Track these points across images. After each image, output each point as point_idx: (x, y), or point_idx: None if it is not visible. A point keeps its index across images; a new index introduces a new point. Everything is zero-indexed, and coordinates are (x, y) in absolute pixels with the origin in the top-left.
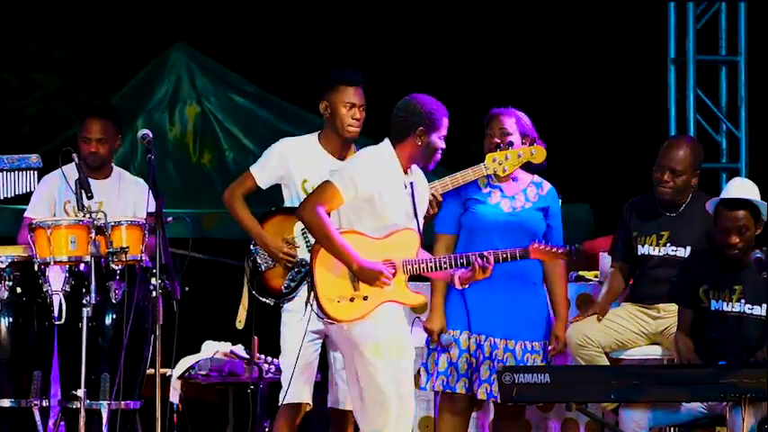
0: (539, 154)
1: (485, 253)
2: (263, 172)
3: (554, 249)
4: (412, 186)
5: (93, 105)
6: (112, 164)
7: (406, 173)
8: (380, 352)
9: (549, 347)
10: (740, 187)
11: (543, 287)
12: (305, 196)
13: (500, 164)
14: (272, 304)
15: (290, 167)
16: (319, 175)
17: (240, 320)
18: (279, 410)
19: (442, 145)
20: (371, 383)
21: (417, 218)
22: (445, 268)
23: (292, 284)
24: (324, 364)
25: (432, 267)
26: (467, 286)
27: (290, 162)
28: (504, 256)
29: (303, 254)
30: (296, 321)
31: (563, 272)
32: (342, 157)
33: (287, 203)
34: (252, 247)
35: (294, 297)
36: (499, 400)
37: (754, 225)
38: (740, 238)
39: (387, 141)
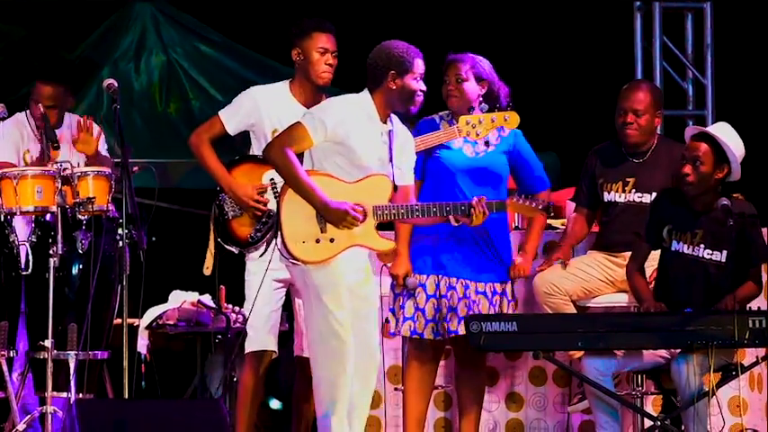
0: (512, 119)
1: (461, 204)
2: (234, 118)
3: (531, 204)
4: (390, 135)
5: (46, 65)
6: None
7: (385, 122)
8: (340, 300)
9: (511, 273)
10: (719, 127)
11: (509, 231)
12: None
13: (473, 127)
14: (236, 252)
15: (261, 115)
16: (289, 122)
17: (207, 267)
18: (244, 359)
19: (421, 86)
20: (329, 331)
21: (393, 166)
22: (417, 216)
23: (259, 234)
24: (290, 314)
25: (403, 214)
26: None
27: (261, 110)
28: (482, 209)
29: (271, 204)
30: (260, 269)
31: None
32: (312, 106)
33: (254, 152)
34: (219, 193)
35: (259, 245)
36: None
37: (712, 163)
38: (693, 169)
39: (365, 91)
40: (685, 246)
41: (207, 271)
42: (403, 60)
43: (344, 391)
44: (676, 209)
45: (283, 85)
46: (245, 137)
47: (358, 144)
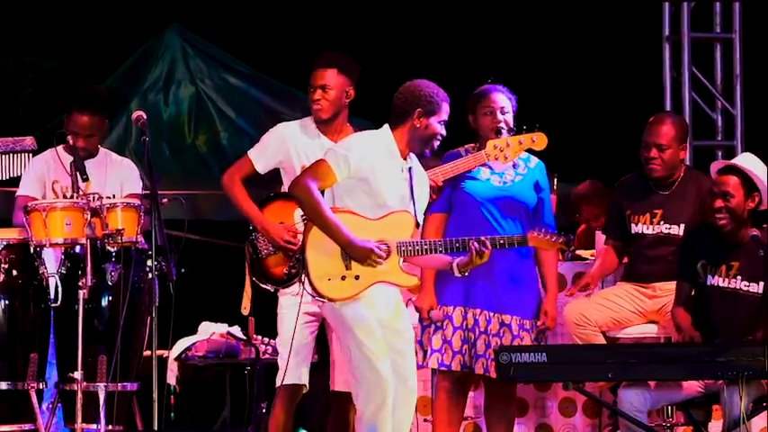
0: (540, 140)
1: (482, 238)
2: (262, 157)
3: (552, 238)
4: (410, 172)
5: (81, 95)
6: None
7: (404, 158)
8: (372, 331)
9: (538, 323)
10: (743, 158)
11: (534, 266)
12: None
13: (501, 150)
14: (272, 291)
15: (288, 151)
16: (317, 158)
17: (245, 307)
18: (276, 392)
19: (442, 131)
20: (364, 363)
21: (415, 203)
22: (440, 251)
23: (294, 271)
24: (324, 346)
25: (427, 249)
26: (466, 274)
27: (289, 146)
28: (502, 242)
29: None
30: (293, 304)
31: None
32: (339, 140)
33: (286, 188)
34: (252, 232)
35: (294, 282)
36: (496, 377)
37: (743, 195)
38: (724, 203)
39: (386, 126)
40: (721, 279)
41: (245, 311)
42: (432, 101)
43: (385, 424)
44: (708, 243)
45: (310, 120)
46: (276, 173)
47: (380, 180)
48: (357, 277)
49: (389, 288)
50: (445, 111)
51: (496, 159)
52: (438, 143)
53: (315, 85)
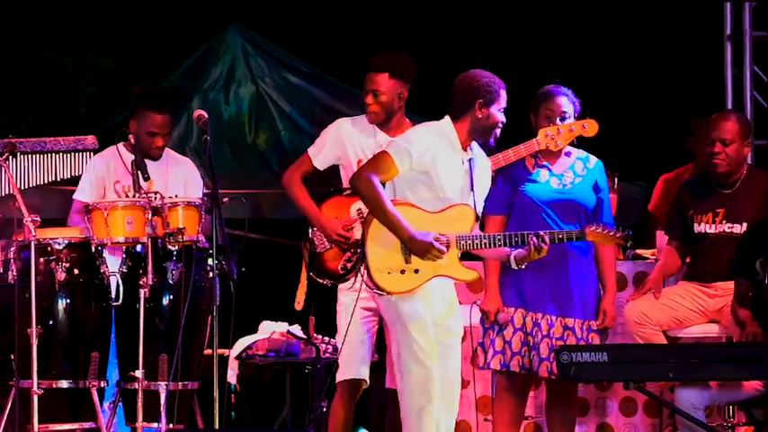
0: (591, 127)
1: (541, 233)
2: (320, 153)
3: (611, 233)
4: (470, 163)
5: (153, 96)
6: None
7: (465, 150)
8: (425, 328)
9: (596, 322)
10: None
11: (595, 266)
12: None
13: (552, 138)
14: (329, 286)
15: (346, 147)
16: (374, 154)
17: (299, 302)
18: (336, 389)
19: (502, 118)
20: (414, 360)
21: (474, 195)
22: (500, 245)
23: (349, 266)
24: (382, 345)
25: (486, 244)
26: (522, 267)
27: (346, 142)
28: (561, 236)
29: (359, 235)
30: (351, 300)
31: (613, 249)
32: (396, 135)
33: (345, 184)
34: (309, 228)
35: (350, 276)
36: (557, 378)
37: None
38: None
39: (447, 118)
40: None
41: (298, 306)
42: (491, 90)
43: (430, 421)
44: (766, 241)
45: (366, 117)
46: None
47: (441, 173)
48: (416, 271)
49: (445, 283)
50: (504, 98)
51: (547, 147)
52: (500, 131)
53: (367, 89)
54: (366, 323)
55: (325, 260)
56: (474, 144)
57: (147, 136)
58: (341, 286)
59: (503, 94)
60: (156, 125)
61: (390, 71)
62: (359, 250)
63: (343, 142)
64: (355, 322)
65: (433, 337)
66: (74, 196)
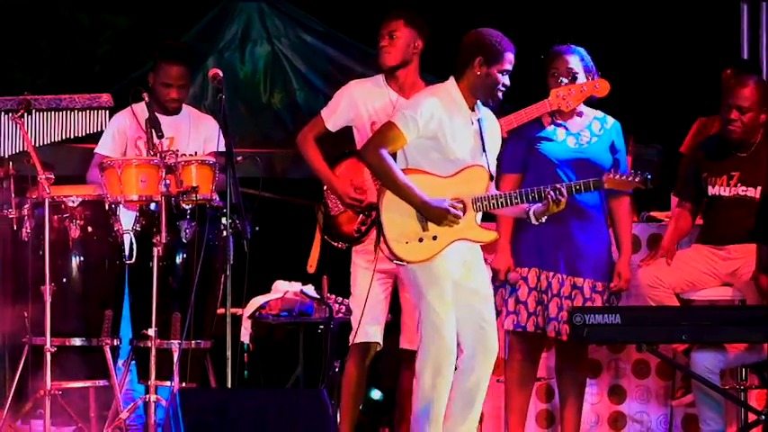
0: (602, 87)
1: (557, 185)
2: (333, 116)
3: (629, 178)
4: (480, 123)
5: (171, 48)
6: None
7: (472, 109)
8: (444, 296)
9: (611, 284)
10: None
11: (608, 228)
12: None
13: (564, 99)
14: (344, 248)
15: (359, 109)
16: (387, 115)
17: (311, 265)
18: (349, 350)
19: (504, 80)
20: (432, 328)
21: (487, 154)
22: (516, 203)
23: (363, 228)
24: (396, 305)
25: (502, 203)
26: (543, 221)
27: (359, 104)
28: (578, 187)
29: (372, 197)
30: (366, 262)
31: (629, 210)
32: (410, 96)
33: (358, 146)
34: (323, 191)
35: (365, 239)
36: (570, 340)
37: None
38: None
39: (451, 79)
40: None
41: (311, 269)
42: (493, 49)
43: (442, 393)
44: None
45: (380, 77)
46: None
47: (450, 136)
48: (435, 237)
49: (465, 246)
50: (508, 60)
51: (559, 107)
52: (501, 94)
53: (383, 32)
54: (381, 285)
55: (340, 223)
56: (480, 104)
57: (162, 87)
58: (356, 248)
59: (507, 56)
60: (171, 76)
61: (406, 19)
62: (373, 213)
63: (357, 104)
64: (370, 284)
65: (451, 305)
66: (95, 150)
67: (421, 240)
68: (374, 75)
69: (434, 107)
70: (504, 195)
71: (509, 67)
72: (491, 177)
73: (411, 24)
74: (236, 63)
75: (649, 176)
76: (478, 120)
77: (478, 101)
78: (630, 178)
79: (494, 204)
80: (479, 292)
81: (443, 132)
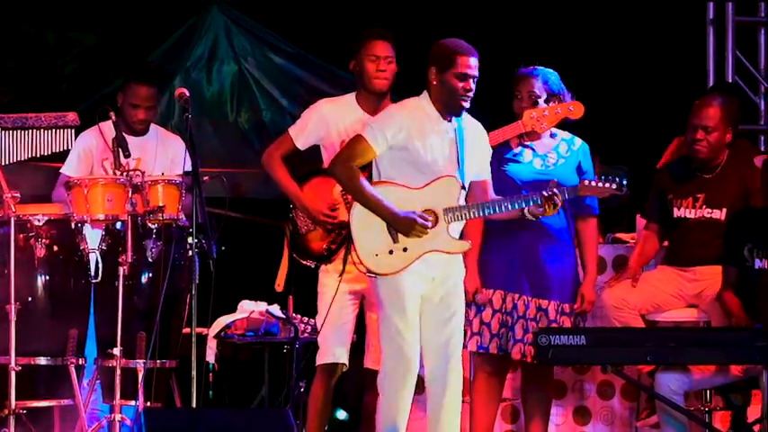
0: (576, 110)
1: (544, 192)
2: (302, 134)
3: (605, 185)
4: (458, 133)
5: (141, 69)
6: None
7: (449, 120)
8: (405, 312)
9: (575, 306)
10: None
11: (575, 249)
12: None
13: (538, 120)
14: (312, 267)
15: (329, 128)
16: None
17: (279, 284)
18: (315, 371)
19: (462, 85)
20: (392, 344)
21: (461, 165)
22: (489, 213)
23: (333, 247)
24: (361, 325)
25: (474, 213)
26: (539, 218)
27: (329, 123)
28: (555, 194)
29: (344, 215)
30: (333, 281)
31: (595, 232)
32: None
33: (325, 164)
34: (291, 209)
35: (334, 258)
36: (535, 362)
37: None
38: None
39: (424, 92)
40: None
41: (279, 288)
42: (443, 55)
43: (404, 410)
44: (754, 227)
45: (350, 97)
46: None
47: (421, 147)
48: (405, 249)
49: (437, 262)
50: (463, 64)
51: (533, 128)
52: (466, 99)
53: (379, 55)
54: (347, 306)
55: (309, 241)
56: (466, 114)
57: (130, 107)
58: (323, 267)
59: (460, 60)
60: (140, 97)
61: (391, 42)
62: (344, 232)
63: (327, 122)
64: (337, 304)
65: (414, 320)
66: (61, 170)
67: (391, 252)
68: (342, 94)
69: (402, 119)
70: (477, 206)
71: (468, 71)
72: (463, 188)
73: (394, 47)
74: (203, 82)
75: (624, 182)
76: (455, 130)
77: (462, 111)
78: (607, 185)
79: (466, 215)
80: (448, 310)
81: (413, 144)
